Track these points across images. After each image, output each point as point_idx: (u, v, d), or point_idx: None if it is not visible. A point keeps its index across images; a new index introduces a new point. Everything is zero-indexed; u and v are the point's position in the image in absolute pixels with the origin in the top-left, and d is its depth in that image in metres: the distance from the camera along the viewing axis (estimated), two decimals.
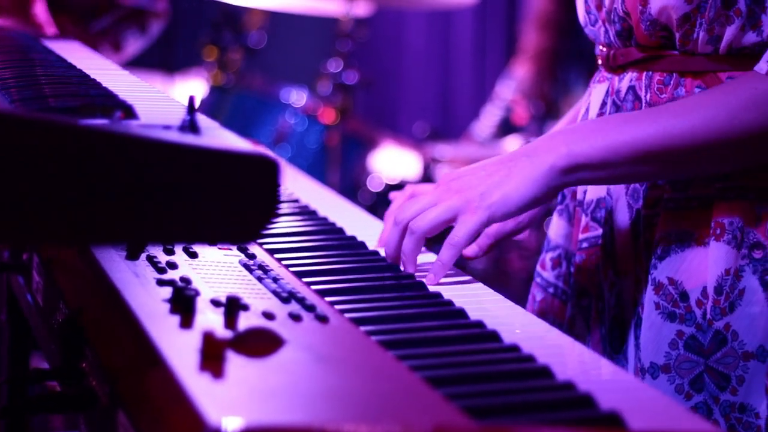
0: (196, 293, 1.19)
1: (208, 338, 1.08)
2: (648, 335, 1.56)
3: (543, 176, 1.48)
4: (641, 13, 1.57)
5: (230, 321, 1.18)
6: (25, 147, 1.00)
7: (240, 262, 1.43)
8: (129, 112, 1.22)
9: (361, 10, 3.91)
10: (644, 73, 1.62)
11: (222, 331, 1.13)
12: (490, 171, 1.50)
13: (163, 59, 4.98)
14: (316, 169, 3.78)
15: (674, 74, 1.58)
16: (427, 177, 3.95)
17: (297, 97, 4.03)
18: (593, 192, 1.69)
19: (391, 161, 4.09)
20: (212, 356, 1.06)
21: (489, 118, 4.82)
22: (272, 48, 4.85)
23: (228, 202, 1.05)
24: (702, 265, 1.54)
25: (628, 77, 1.64)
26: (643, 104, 1.61)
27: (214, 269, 1.38)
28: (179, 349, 1.08)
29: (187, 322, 1.16)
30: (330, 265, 1.50)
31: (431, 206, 1.50)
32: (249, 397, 0.99)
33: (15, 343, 1.90)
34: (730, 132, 1.47)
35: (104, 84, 1.44)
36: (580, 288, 1.70)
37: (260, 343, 1.12)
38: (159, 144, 1.04)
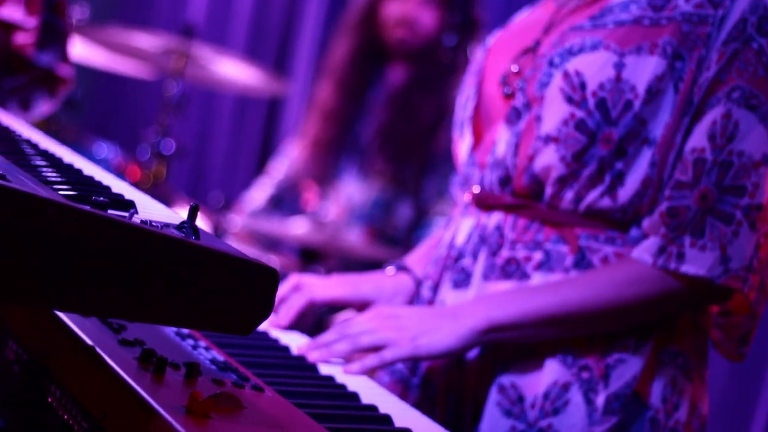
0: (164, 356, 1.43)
1: (194, 397, 1.32)
2: (487, 427, 1.90)
3: (464, 334, 1.83)
4: (526, 168, 1.92)
5: (191, 383, 1.42)
6: (72, 235, 1.23)
7: (173, 330, 1.67)
8: (134, 207, 1.44)
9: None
10: (511, 216, 1.96)
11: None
12: (422, 319, 1.85)
13: None
14: None
15: (537, 221, 1.94)
16: None
17: (109, 153, 4.21)
18: (450, 299, 2.02)
19: None
20: (200, 413, 1.31)
21: (260, 192, 5.08)
22: (93, 104, 5.00)
23: (231, 299, 1.30)
24: (538, 376, 1.90)
25: (496, 217, 1.98)
26: (507, 242, 1.95)
27: (153, 334, 1.61)
28: (168, 406, 1.31)
29: (160, 380, 1.40)
30: (238, 339, 1.76)
31: (372, 332, 1.81)
32: None
33: None
34: (614, 302, 1.84)
35: (84, 172, 1.65)
36: (427, 379, 2.02)
37: (229, 406, 1.36)
38: (184, 243, 1.29)
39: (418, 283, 2.15)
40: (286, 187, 5.00)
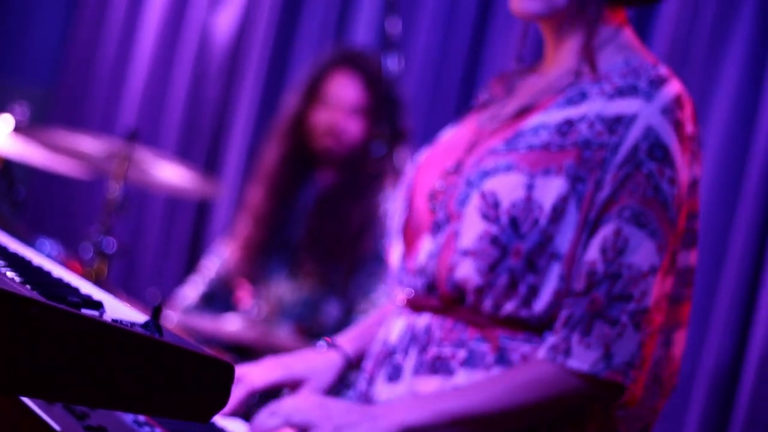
0: None
1: None
2: None
3: None
4: (447, 278, 2.08)
5: None
6: (50, 331, 1.36)
7: (130, 417, 1.79)
8: (102, 306, 1.58)
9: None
10: (438, 317, 2.12)
11: None
12: (347, 412, 2.01)
13: None
14: None
15: (461, 322, 2.09)
16: None
17: (51, 250, 4.31)
18: (383, 391, 2.16)
19: None
20: None
21: (192, 290, 5.17)
22: (38, 203, 5.07)
23: (192, 390, 1.44)
24: None
25: (425, 318, 2.14)
26: (434, 340, 2.11)
27: (113, 421, 1.74)
28: None
29: None
30: (189, 426, 1.89)
31: (302, 411, 1.99)
32: None
33: None
34: (516, 404, 1.99)
35: (54, 273, 1.78)
36: None
37: None
38: (149, 340, 1.43)
39: (348, 360, 2.29)
40: (218, 285, 5.09)
